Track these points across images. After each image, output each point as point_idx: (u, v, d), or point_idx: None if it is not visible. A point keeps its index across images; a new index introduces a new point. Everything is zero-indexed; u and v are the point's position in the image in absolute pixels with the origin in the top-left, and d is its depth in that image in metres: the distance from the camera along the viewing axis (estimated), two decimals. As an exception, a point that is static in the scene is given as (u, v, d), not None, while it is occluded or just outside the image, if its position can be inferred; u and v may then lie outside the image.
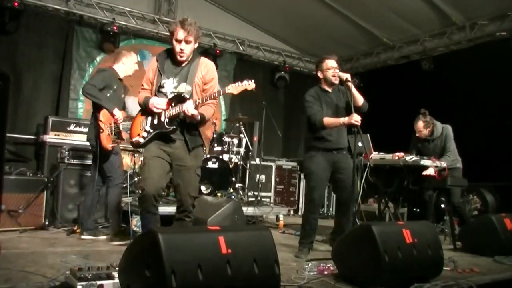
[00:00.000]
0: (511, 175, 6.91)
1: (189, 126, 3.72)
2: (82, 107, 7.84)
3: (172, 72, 3.78)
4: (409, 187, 5.84)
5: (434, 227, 4.15)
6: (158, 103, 3.67)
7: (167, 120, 3.67)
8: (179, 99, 3.66)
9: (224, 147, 7.10)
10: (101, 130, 4.78)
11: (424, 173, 5.45)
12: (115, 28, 7.76)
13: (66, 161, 5.73)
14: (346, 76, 4.53)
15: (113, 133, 4.88)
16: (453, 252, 5.05)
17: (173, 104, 3.66)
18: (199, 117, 3.64)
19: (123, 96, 5.17)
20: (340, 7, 8.30)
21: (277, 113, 9.41)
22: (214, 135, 7.06)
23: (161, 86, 3.74)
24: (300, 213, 8.84)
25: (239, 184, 7.20)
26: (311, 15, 8.67)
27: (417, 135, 6.01)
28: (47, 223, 5.43)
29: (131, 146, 4.28)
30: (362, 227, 3.56)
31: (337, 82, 4.65)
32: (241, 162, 7.39)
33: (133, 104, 5.48)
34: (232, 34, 9.52)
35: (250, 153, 7.87)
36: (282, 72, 10.09)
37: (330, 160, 4.60)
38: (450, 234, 5.62)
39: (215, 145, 7.03)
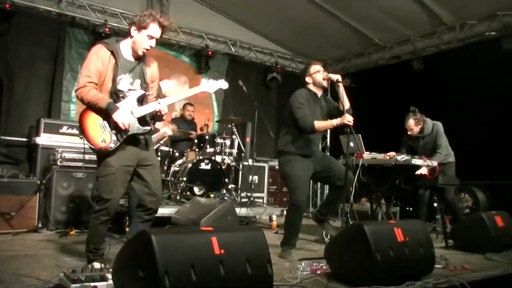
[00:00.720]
0: (502, 174, 6.98)
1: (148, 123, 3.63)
2: (74, 109, 7.82)
3: (126, 67, 3.48)
4: (401, 186, 5.89)
5: (425, 225, 4.19)
6: (127, 121, 3.36)
7: (137, 120, 3.48)
8: (138, 97, 3.51)
9: (216, 148, 7.10)
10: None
11: (418, 172, 5.49)
12: (107, 29, 7.75)
13: (58, 163, 5.73)
14: (337, 77, 4.54)
15: None
16: (445, 250, 5.09)
17: (137, 103, 3.50)
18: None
19: None
20: (332, 8, 8.32)
21: (270, 113, 9.43)
22: (207, 137, 7.07)
23: (116, 82, 3.42)
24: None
25: (232, 185, 7.22)
26: (303, 16, 8.70)
27: (408, 133, 6.06)
28: (40, 225, 5.42)
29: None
30: (354, 226, 3.58)
31: (326, 85, 4.66)
32: (234, 163, 7.41)
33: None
34: (224, 35, 9.53)
35: (242, 154, 7.89)
36: (274, 73, 10.11)
37: (309, 162, 4.60)
38: (442, 232, 5.67)
39: (208, 146, 7.04)
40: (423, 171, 5.48)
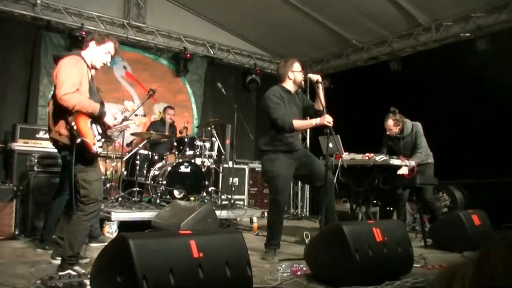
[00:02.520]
0: (478, 172, 7.10)
1: None
2: (51, 114, 7.71)
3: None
4: (379, 186, 5.94)
5: (403, 225, 4.24)
6: (111, 122, 3.73)
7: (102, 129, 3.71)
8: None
9: (196, 151, 7.07)
10: None
11: (399, 172, 5.54)
12: (83, 33, 7.65)
13: (35, 169, 5.64)
14: (317, 77, 4.57)
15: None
16: (424, 249, 5.15)
17: None
18: None
19: None
20: (310, 10, 8.37)
21: (249, 115, 9.44)
22: (186, 139, 7.05)
23: (92, 94, 3.64)
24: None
25: (212, 188, 7.20)
26: (281, 18, 8.73)
27: (387, 133, 6.11)
28: (17, 232, 5.33)
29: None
30: (333, 226, 3.61)
31: (303, 85, 4.71)
32: (214, 166, 7.39)
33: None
34: (202, 38, 9.51)
35: (222, 157, 7.88)
36: (253, 75, 10.11)
37: (292, 159, 4.61)
38: (421, 231, 5.73)
39: (187, 149, 7.01)
40: (404, 171, 5.53)
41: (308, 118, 4.74)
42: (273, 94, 4.60)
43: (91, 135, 3.48)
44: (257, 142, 4.81)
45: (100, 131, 3.59)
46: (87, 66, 3.62)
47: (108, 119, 3.65)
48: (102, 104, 3.66)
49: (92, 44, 3.71)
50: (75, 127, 3.40)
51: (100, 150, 3.53)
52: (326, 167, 4.46)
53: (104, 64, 3.78)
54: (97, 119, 3.56)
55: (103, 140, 3.62)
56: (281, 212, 4.66)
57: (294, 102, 4.72)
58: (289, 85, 4.72)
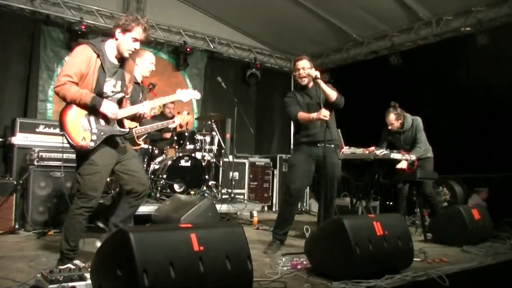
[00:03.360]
0: (479, 167, 7.09)
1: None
2: (51, 108, 7.70)
3: (110, 70, 3.54)
4: (379, 181, 5.93)
5: (404, 219, 4.24)
6: (115, 111, 3.48)
7: (116, 122, 3.57)
8: (119, 99, 3.62)
9: (196, 145, 7.06)
10: None
11: (398, 166, 5.54)
12: (83, 27, 7.63)
13: (35, 163, 5.63)
14: (316, 73, 4.59)
15: None
16: (423, 243, 5.16)
17: (117, 105, 3.56)
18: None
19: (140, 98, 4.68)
20: (310, 4, 8.34)
21: (249, 110, 9.43)
22: (186, 134, 7.04)
23: (100, 85, 3.45)
24: (274, 209, 8.91)
25: (213, 182, 7.18)
26: (281, 12, 8.70)
27: (389, 127, 6.09)
28: (17, 226, 5.33)
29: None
30: (334, 221, 3.61)
31: (304, 82, 4.76)
32: (214, 160, 7.38)
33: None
34: (202, 32, 9.47)
35: (222, 151, 7.87)
36: (253, 69, 10.06)
37: (314, 153, 4.69)
38: (421, 225, 5.73)
39: (187, 143, 7.00)
40: (403, 165, 5.53)
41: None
42: (288, 95, 4.94)
43: (77, 128, 3.36)
44: None
45: (103, 123, 3.47)
46: (98, 55, 3.42)
47: (108, 109, 3.41)
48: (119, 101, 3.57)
49: (117, 32, 3.51)
50: (59, 120, 3.37)
51: (92, 144, 3.39)
52: (325, 158, 4.46)
53: (132, 51, 3.56)
54: (93, 110, 3.40)
55: (107, 133, 3.48)
56: (291, 200, 4.73)
57: (309, 96, 4.81)
58: (298, 83, 4.92)
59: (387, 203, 7.91)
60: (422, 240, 5.40)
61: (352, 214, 6.01)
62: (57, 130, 5.03)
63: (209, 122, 7.33)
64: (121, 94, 3.61)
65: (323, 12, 8.57)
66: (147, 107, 3.66)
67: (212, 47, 9.68)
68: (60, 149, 5.00)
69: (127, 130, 3.65)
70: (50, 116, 7.63)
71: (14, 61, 7.51)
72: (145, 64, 4.87)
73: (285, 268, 3.65)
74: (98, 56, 3.42)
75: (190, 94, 4.16)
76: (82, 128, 3.39)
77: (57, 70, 7.78)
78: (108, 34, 8.44)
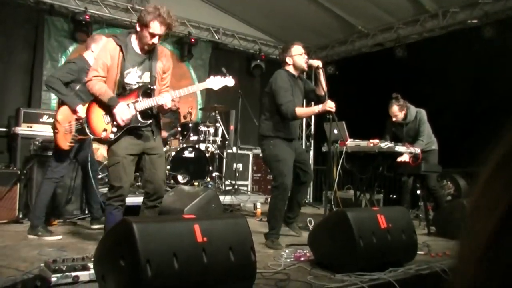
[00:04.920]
0: (484, 161, 7.04)
1: (154, 115, 3.75)
2: (55, 98, 7.65)
3: (135, 60, 3.61)
4: (384, 173, 5.91)
5: (408, 212, 4.22)
6: (126, 117, 3.51)
7: (139, 113, 3.60)
8: (145, 90, 3.62)
9: (200, 136, 7.06)
10: (56, 131, 4.45)
11: (399, 159, 5.51)
12: (87, 17, 7.62)
13: (39, 153, 5.63)
14: (318, 63, 4.54)
15: (74, 130, 4.47)
16: (427, 236, 5.15)
17: (140, 96, 3.58)
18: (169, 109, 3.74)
19: None
20: (315, -5, 8.30)
21: (253, 101, 9.38)
22: (190, 125, 7.03)
23: (123, 76, 3.57)
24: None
25: (216, 173, 7.19)
26: (286, 4, 8.65)
27: (393, 119, 6.07)
28: (21, 216, 5.35)
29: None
30: (338, 213, 3.60)
31: (306, 69, 4.68)
32: (218, 151, 7.38)
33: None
34: (207, 23, 9.44)
35: (226, 142, 7.87)
36: (258, 61, 10.03)
37: (291, 148, 4.62)
38: (425, 219, 5.72)
39: (191, 134, 6.99)
40: (405, 158, 5.50)
41: (313, 104, 4.74)
42: (281, 78, 4.55)
43: (100, 121, 3.57)
44: (259, 127, 4.75)
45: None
46: (121, 46, 3.53)
47: (119, 114, 3.48)
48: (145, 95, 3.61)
49: (137, 26, 3.56)
50: (85, 113, 3.65)
51: (112, 136, 3.55)
52: (329, 153, 4.45)
53: (150, 45, 3.57)
54: (108, 108, 3.55)
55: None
56: (285, 196, 4.53)
57: (298, 87, 4.69)
58: (290, 69, 4.68)
59: (391, 196, 7.89)
60: (426, 233, 5.38)
61: (355, 206, 6.00)
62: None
63: (213, 113, 7.32)
64: (147, 85, 3.63)
65: (329, 4, 8.51)
66: (167, 98, 3.58)
67: (217, 38, 9.65)
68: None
69: (149, 121, 3.66)
70: (54, 106, 7.61)
71: (18, 51, 7.51)
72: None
73: (288, 260, 3.64)
74: (121, 48, 3.54)
75: (222, 81, 3.90)
76: (104, 121, 3.58)
77: (62, 60, 7.79)
78: (112, 24, 8.49)
